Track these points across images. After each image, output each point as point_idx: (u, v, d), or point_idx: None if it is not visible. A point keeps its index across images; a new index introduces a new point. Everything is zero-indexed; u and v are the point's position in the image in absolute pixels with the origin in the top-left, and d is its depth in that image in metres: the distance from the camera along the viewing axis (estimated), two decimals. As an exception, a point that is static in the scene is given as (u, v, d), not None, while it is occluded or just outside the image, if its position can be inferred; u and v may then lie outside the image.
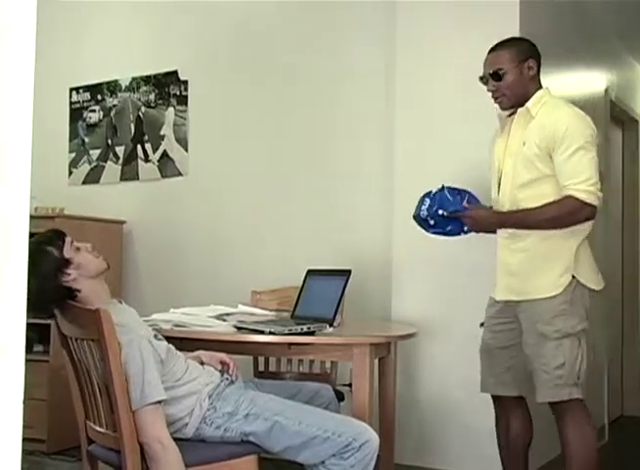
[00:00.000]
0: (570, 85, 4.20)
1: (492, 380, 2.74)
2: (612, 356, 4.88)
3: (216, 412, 2.28)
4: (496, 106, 2.69)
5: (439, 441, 3.59)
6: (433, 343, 3.56)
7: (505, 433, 2.80)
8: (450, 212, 2.63)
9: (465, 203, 2.66)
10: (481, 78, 2.68)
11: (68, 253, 2.25)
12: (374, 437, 2.27)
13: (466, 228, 2.69)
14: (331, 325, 2.70)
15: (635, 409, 5.35)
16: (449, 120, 3.58)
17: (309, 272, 3.12)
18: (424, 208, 2.69)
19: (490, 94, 2.65)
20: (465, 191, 2.71)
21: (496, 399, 2.81)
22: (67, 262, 2.24)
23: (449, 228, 2.70)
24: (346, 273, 2.86)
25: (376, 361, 2.80)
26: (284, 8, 4.25)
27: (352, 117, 4.03)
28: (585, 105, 4.40)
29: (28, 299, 2.20)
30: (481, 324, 2.81)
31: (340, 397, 3.24)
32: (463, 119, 3.36)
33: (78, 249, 2.28)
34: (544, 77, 3.80)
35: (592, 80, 4.64)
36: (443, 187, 2.69)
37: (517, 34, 3.40)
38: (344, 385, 3.21)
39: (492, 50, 2.67)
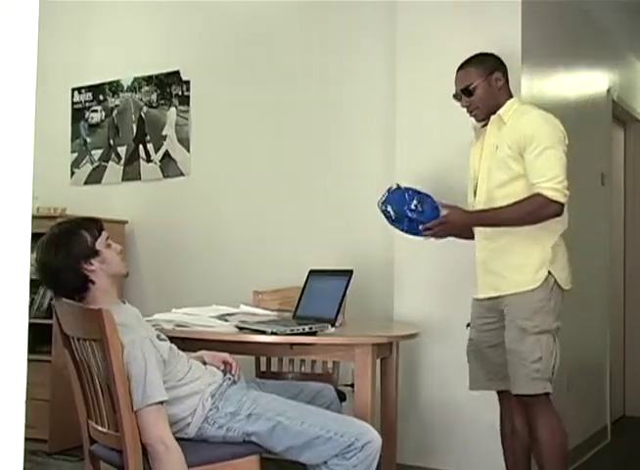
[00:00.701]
0: (572, 85, 4.20)
1: (484, 377, 2.82)
2: (613, 356, 4.87)
3: (219, 412, 2.28)
4: (472, 119, 2.86)
5: (441, 441, 3.59)
6: (435, 343, 3.56)
7: (509, 431, 2.85)
8: (418, 220, 2.69)
9: (422, 207, 2.71)
10: (455, 96, 2.84)
11: (99, 245, 2.30)
12: (376, 437, 2.27)
13: (425, 233, 2.74)
14: (333, 325, 2.70)
15: (637, 410, 5.35)
16: (450, 120, 3.57)
17: (311, 272, 3.12)
18: (379, 201, 2.77)
19: (465, 109, 2.82)
20: (427, 195, 2.75)
21: (502, 397, 2.85)
22: (94, 253, 2.28)
23: (406, 228, 2.77)
24: (348, 273, 2.86)
25: (378, 361, 2.80)
26: (285, 9, 4.25)
27: (353, 117, 4.03)
28: (587, 105, 4.41)
29: (44, 270, 2.21)
30: (468, 325, 2.90)
31: (342, 397, 3.24)
32: (463, 120, 3.35)
33: (109, 245, 2.33)
34: (547, 78, 3.80)
35: (594, 80, 4.64)
36: (399, 186, 2.77)
37: (518, 35, 3.42)
38: (346, 385, 3.21)
39: (460, 68, 2.84)
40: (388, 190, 2.78)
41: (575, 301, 3.20)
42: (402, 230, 2.80)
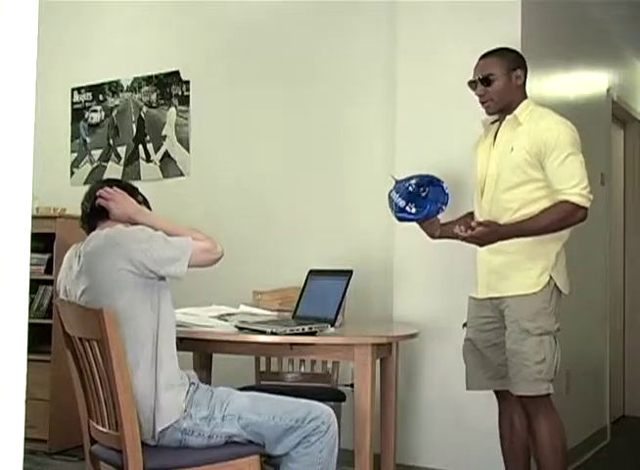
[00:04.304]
0: (571, 85, 4.20)
1: (483, 376, 2.82)
2: (613, 357, 4.87)
3: (193, 419, 2.24)
4: (482, 111, 2.81)
5: (440, 441, 3.59)
6: (434, 343, 3.56)
7: (509, 431, 2.86)
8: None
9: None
10: (471, 83, 2.80)
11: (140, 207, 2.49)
12: (335, 418, 2.32)
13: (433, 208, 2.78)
14: (332, 325, 2.70)
15: (637, 410, 5.35)
16: (450, 121, 3.57)
17: (311, 272, 3.12)
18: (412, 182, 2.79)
19: (478, 98, 2.78)
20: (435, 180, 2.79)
21: (500, 397, 2.86)
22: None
23: (425, 212, 2.78)
24: (348, 273, 2.86)
25: (378, 361, 2.80)
26: (286, 9, 4.25)
27: (353, 117, 4.02)
28: (587, 105, 4.41)
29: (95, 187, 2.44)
30: (464, 325, 2.89)
31: (341, 397, 3.24)
32: (463, 120, 3.36)
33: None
34: (547, 78, 3.80)
35: (594, 80, 4.64)
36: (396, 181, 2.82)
37: (518, 35, 3.42)
38: (346, 385, 3.21)
39: (483, 56, 2.79)
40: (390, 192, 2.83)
41: (575, 301, 3.19)
42: (421, 207, 2.79)
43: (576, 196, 2.57)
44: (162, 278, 2.29)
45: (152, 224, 2.39)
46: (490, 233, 2.62)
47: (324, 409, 2.31)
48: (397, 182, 2.83)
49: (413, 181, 2.76)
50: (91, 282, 2.24)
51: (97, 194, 2.40)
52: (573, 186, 2.57)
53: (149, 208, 2.54)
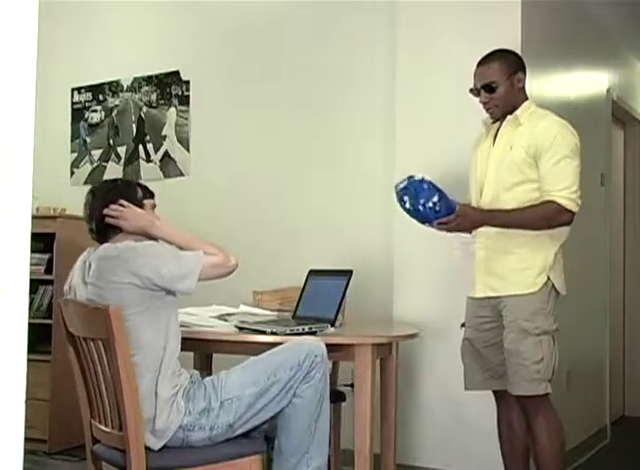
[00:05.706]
0: (571, 85, 4.20)
1: (481, 376, 2.82)
2: (613, 357, 4.87)
3: (192, 415, 2.24)
4: (482, 111, 2.79)
5: (441, 441, 3.59)
6: (434, 343, 3.56)
7: (507, 431, 2.86)
8: (434, 221, 2.58)
9: (438, 201, 2.60)
10: (472, 90, 2.77)
11: (146, 204, 2.46)
12: (320, 342, 2.37)
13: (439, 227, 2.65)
14: (332, 325, 2.70)
15: (637, 410, 5.35)
16: (450, 122, 3.57)
17: (311, 272, 3.12)
18: (398, 186, 2.66)
19: (482, 105, 2.76)
20: (446, 196, 2.62)
21: (498, 397, 2.85)
22: (139, 206, 2.42)
23: (417, 215, 2.66)
24: (348, 273, 2.86)
25: (378, 361, 2.80)
26: (286, 10, 4.25)
27: (353, 117, 4.02)
28: (587, 105, 4.41)
29: (93, 200, 2.39)
30: (462, 325, 2.89)
31: (341, 397, 3.24)
32: (463, 120, 3.36)
33: (152, 212, 2.49)
34: (547, 78, 3.80)
35: (594, 80, 4.64)
36: (423, 179, 2.64)
37: (518, 34, 3.41)
38: (346, 385, 3.21)
39: (482, 63, 2.75)
40: (409, 178, 2.63)
41: (575, 301, 3.20)
42: (411, 217, 2.70)
43: (564, 199, 2.57)
44: (171, 293, 2.29)
45: (165, 236, 2.40)
46: (471, 213, 2.62)
47: (312, 343, 2.35)
48: (415, 180, 2.68)
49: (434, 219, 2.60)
50: (98, 293, 2.23)
51: (104, 213, 2.36)
52: (562, 189, 2.57)
53: (152, 196, 2.51)
